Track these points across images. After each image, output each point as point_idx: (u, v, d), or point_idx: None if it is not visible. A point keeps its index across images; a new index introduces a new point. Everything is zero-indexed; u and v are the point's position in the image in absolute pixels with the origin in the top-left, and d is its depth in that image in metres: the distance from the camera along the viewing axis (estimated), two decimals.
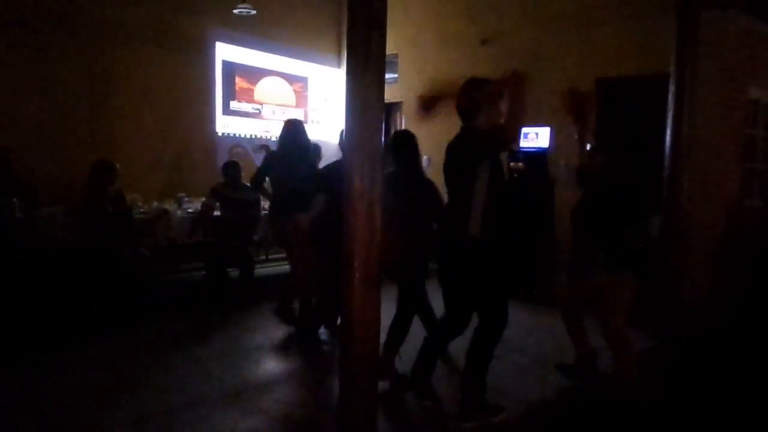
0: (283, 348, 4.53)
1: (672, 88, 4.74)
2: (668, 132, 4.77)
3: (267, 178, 4.97)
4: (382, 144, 2.45)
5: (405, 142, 3.96)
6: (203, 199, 5.75)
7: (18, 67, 5.87)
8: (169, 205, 5.93)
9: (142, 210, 5.71)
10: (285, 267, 5.80)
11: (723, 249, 5.52)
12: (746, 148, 5.84)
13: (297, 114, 8.57)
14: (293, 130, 4.85)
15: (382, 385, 3.30)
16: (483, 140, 3.11)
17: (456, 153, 3.23)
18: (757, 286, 5.48)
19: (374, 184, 2.38)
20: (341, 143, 4.19)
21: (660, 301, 4.83)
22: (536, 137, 6.22)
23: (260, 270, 5.55)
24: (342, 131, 4.29)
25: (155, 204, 5.99)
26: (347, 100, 2.42)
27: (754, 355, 4.47)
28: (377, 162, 2.40)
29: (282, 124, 4.97)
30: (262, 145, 7.26)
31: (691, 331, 4.81)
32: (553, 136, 6.17)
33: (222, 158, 7.14)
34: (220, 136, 7.65)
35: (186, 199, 6.15)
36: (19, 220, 4.63)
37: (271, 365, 4.21)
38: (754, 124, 5.96)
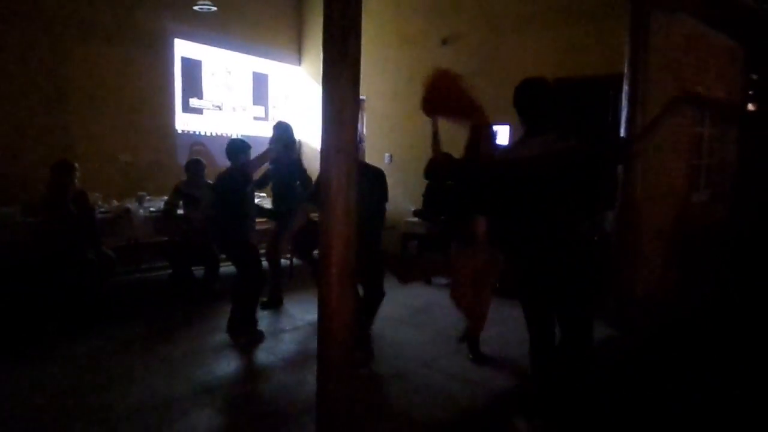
0: (253, 345, 4.55)
1: (625, 88, 4.95)
2: (622, 131, 4.98)
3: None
4: (358, 141, 2.52)
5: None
6: (165, 197, 5.71)
7: None
8: (131, 204, 5.84)
9: (103, 209, 5.62)
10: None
11: (673, 242, 5.80)
12: (693, 145, 6.13)
13: (257, 111, 8.54)
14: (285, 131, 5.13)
15: None
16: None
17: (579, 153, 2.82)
18: (706, 277, 5.78)
19: (350, 182, 2.45)
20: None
21: (614, 293, 5.04)
22: (496, 135, 6.37)
23: (225, 268, 5.53)
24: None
25: (116, 203, 5.89)
26: (323, 100, 2.47)
27: (701, 344, 4.71)
28: (353, 160, 2.47)
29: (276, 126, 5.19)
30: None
31: (644, 321, 5.04)
32: (512, 134, 6.34)
33: (183, 156, 7.08)
34: (180, 134, 7.56)
35: (148, 197, 6.08)
36: None
37: (242, 362, 4.23)
38: (701, 123, 6.27)
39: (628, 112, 4.94)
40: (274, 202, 5.51)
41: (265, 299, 5.24)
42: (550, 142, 2.84)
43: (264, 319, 4.98)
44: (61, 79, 6.34)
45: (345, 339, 2.53)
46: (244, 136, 7.30)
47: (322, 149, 2.49)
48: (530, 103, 3.02)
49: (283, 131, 5.08)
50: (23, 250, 4.76)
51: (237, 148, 4.60)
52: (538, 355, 3.11)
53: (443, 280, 6.38)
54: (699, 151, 6.34)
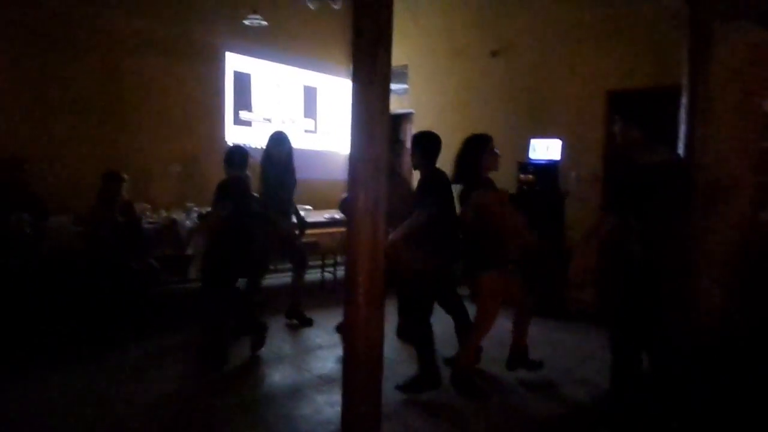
0: (288, 359, 4.49)
1: (684, 101, 4.69)
2: (680, 146, 4.71)
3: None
4: (387, 157, 2.42)
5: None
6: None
7: (30, 78, 5.92)
8: (178, 215, 5.93)
9: (150, 220, 5.71)
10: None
11: (736, 268, 5.43)
12: (760, 162, 5.75)
13: (307, 124, 8.58)
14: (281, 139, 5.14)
15: None
16: None
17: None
18: None
19: (379, 199, 2.35)
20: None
21: (671, 322, 4.74)
22: (547, 149, 6.18)
23: (268, 280, 5.54)
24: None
25: (164, 213, 5.99)
26: (352, 113, 2.39)
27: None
28: (382, 176, 2.37)
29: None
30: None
31: (704, 352, 4.72)
32: (564, 148, 6.13)
33: None
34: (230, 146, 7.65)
35: (195, 208, 6.15)
36: (28, 235, 4.65)
37: (276, 377, 4.18)
38: None
39: (688, 126, 4.68)
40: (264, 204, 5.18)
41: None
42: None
43: (303, 334, 4.94)
44: (114, 92, 6.52)
45: (372, 362, 2.43)
46: (295, 149, 7.40)
47: (350, 164, 2.40)
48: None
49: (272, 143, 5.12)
50: (72, 259, 4.89)
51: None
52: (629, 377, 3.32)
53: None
54: (766, 167, 5.94)
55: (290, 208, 5.27)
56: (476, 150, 3.94)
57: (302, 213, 5.51)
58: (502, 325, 4.09)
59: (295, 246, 5.25)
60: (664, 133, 5.29)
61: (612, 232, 3.62)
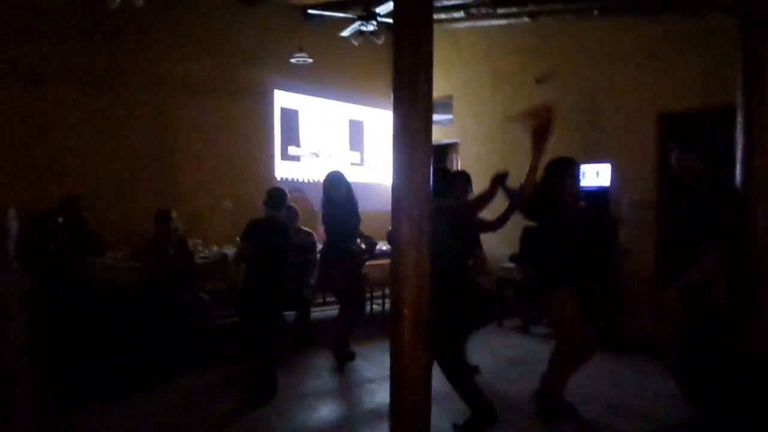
0: (337, 393, 4.46)
1: (740, 120, 4.51)
2: (738, 165, 4.52)
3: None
4: (431, 188, 2.40)
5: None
6: None
7: (88, 119, 6.20)
8: (229, 250, 6.03)
9: (203, 255, 5.83)
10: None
11: None
12: None
13: (353, 157, 8.66)
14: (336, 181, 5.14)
15: None
16: None
17: None
18: None
19: (423, 229, 2.33)
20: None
21: (738, 347, 4.50)
22: (597, 175, 6.04)
23: (317, 313, 5.54)
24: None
25: (216, 248, 6.11)
26: (394, 143, 2.40)
27: None
28: (425, 205, 2.35)
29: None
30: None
31: None
32: (614, 173, 5.98)
33: None
34: (279, 181, 7.79)
35: None
36: (98, 277, 4.85)
37: (324, 411, 4.15)
38: None
39: (745, 145, 4.49)
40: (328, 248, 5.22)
41: None
42: None
43: (352, 367, 4.90)
44: (167, 131, 6.76)
45: (419, 394, 2.38)
46: None
47: (393, 194, 2.39)
48: None
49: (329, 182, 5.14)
50: (127, 294, 5.02)
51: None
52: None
53: (542, 330, 6.03)
54: None
55: (352, 247, 5.23)
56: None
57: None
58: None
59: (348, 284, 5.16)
60: (719, 154, 5.13)
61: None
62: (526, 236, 4.68)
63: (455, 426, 3.66)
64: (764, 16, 4.38)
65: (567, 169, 3.87)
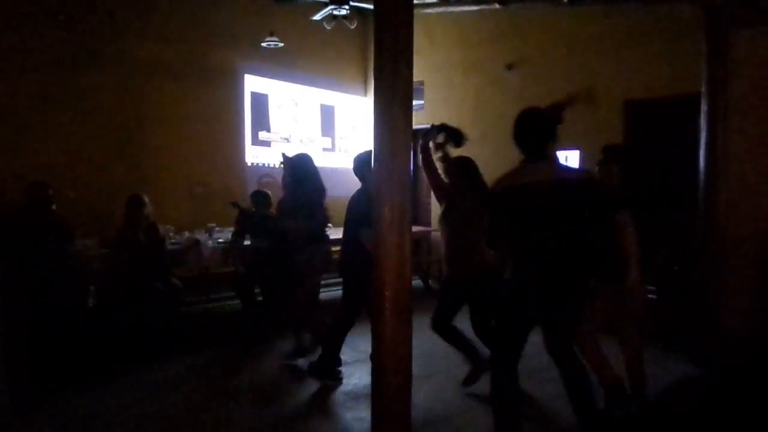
0: (315, 379, 4.50)
1: (704, 109, 4.67)
2: (702, 152, 4.68)
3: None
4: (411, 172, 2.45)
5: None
6: (233, 228, 5.82)
7: (53, 103, 6.06)
8: (201, 235, 6.00)
9: (174, 241, 5.79)
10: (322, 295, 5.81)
11: (762, 275, 5.35)
12: None
13: (325, 143, 8.65)
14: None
15: None
16: None
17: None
18: None
19: (404, 213, 2.37)
20: (356, 170, 4.32)
21: (700, 326, 4.69)
22: (565, 160, 6.16)
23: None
24: (357, 158, 4.41)
25: (186, 234, 6.07)
26: (375, 130, 2.42)
27: None
28: (406, 191, 2.39)
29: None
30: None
31: (733, 362, 4.64)
32: (583, 159, 6.11)
33: (252, 188, 7.22)
34: (249, 166, 7.75)
35: (217, 228, 6.22)
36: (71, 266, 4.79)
37: (303, 395, 4.18)
38: None
39: (708, 133, 4.66)
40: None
41: None
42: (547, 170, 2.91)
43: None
44: (136, 116, 6.66)
45: (400, 377, 2.43)
46: None
47: (374, 180, 2.43)
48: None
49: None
50: (98, 281, 4.97)
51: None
52: None
53: None
54: None
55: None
56: None
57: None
58: None
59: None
60: (684, 141, 5.30)
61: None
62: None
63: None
64: (727, 7, 4.53)
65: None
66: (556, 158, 3.31)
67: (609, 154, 4.15)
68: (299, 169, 4.76)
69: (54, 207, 4.88)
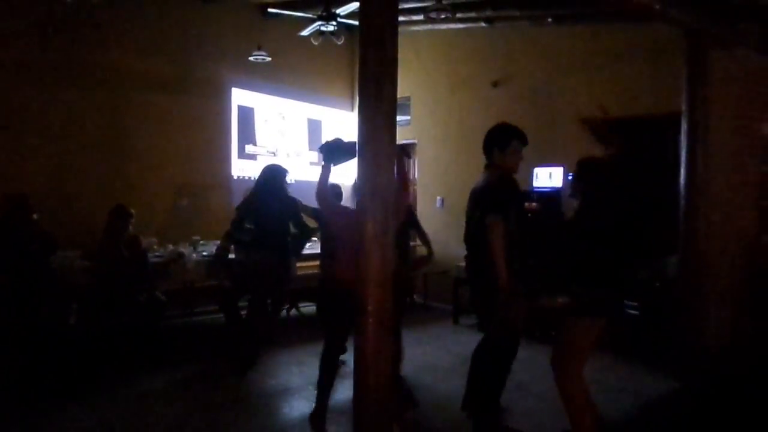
0: (294, 391, 4.48)
1: (684, 127, 4.76)
2: (682, 171, 4.76)
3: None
4: (395, 187, 2.47)
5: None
6: (218, 241, 5.79)
7: (37, 114, 6.03)
8: (185, 249, 5.97)
9: (158, 254, 5.76)
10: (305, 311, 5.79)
11: (743, 288, 5.43)
12: (762, 186, 5.79)
13: (312, 157, 8.67)
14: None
15: None
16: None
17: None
18: None
19: (387, 228, 2.39)
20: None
21: (679, 342, 4.74)
22: (549, 177, 6.23)
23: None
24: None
25: (170, 247, 6.03)
26: (360, 145, 2.45)
27: None
28: (390, 206, 2.41)
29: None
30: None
31: (714, 374, 4.69)
32: (567, 176, 6.17)
33: (237, 201, 7.20)
34: (235, 179, 7.73)
35: (201, 242, 6.20)
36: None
37: (283, 412, 4.16)
38: None
39: (688, 152, 4.74)
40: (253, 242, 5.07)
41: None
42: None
43: (305, 366, 4.92)
44: (122, 128, 6.62)
45: (382, 392, 2.44)
46: (300, 181, 7.45)
47: (358, 194, 2.45)
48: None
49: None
50: (80, 296, 4.92)
51: None
52: None
53: None
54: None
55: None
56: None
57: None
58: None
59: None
60: (664, 159, 5.39)
61: None
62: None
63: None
64: (706, 28, 4.63)
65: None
66: (496, 167, 3.63)
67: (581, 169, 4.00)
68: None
69: (35, 217, 4.83)
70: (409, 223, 4.79)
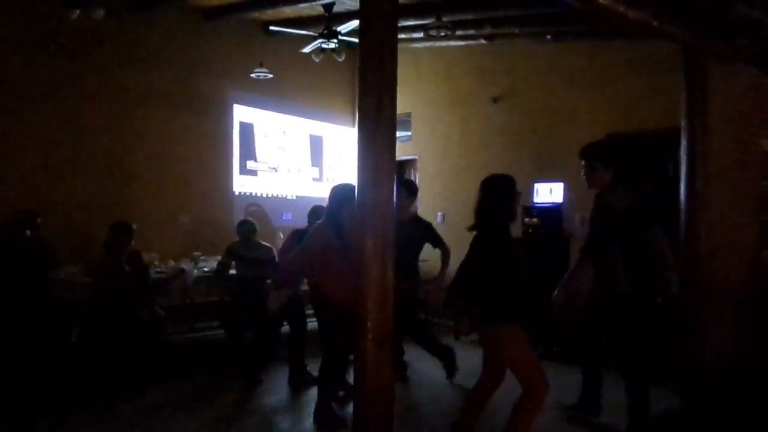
0: (295, 408, 4.46)
1: (684, 143, 4.77)
2: (682, 186, 4.77)
3: None
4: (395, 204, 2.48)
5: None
6: (219, 257, 5.80)
7: (43, 131, 6.06)
8: (186, 264, 5.98)
9: (159, 269, 5.76)
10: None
11: (744, 303, 5.42)
12: (762, 200, 5.80)
13: (314, 173, 8.70)
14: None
15: None
16: None
17: None
18: None
19: (387, 244, 2.40)
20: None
21: (681, 358, 4.72)
22: (550, 192, 6.25)
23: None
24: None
25: (172, 263, 6.04)
26: (359, 162, 2.47)
27: None
28: (390, 222, 2.42)
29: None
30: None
31: (715, 389, 4.66)
32: (567, 191, 6.19)
33: (239, 217, 7.22)
34: (237, 195, 7.76)
35: (202, 257, 6.20)
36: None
37: (284, 426, 4.14)
38: None
39: (688, 167, 4.75)
40: None
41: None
42: None
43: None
44: (124, 144, 6.65)
45: (383, 407, 2.43)
46: (300, 197, 7.48)
47: (358, 209, 2.46)
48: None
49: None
50: (81, 312, 4.92)
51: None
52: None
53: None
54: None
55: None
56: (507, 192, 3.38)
57: None
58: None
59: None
60: (664, 175, 5.40)
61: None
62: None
63: None
64: (705, 44, 4.66)
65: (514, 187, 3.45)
66: None
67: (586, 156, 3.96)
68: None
69: (40, 233, 4.86)
70: (423, 239, 4.84)
